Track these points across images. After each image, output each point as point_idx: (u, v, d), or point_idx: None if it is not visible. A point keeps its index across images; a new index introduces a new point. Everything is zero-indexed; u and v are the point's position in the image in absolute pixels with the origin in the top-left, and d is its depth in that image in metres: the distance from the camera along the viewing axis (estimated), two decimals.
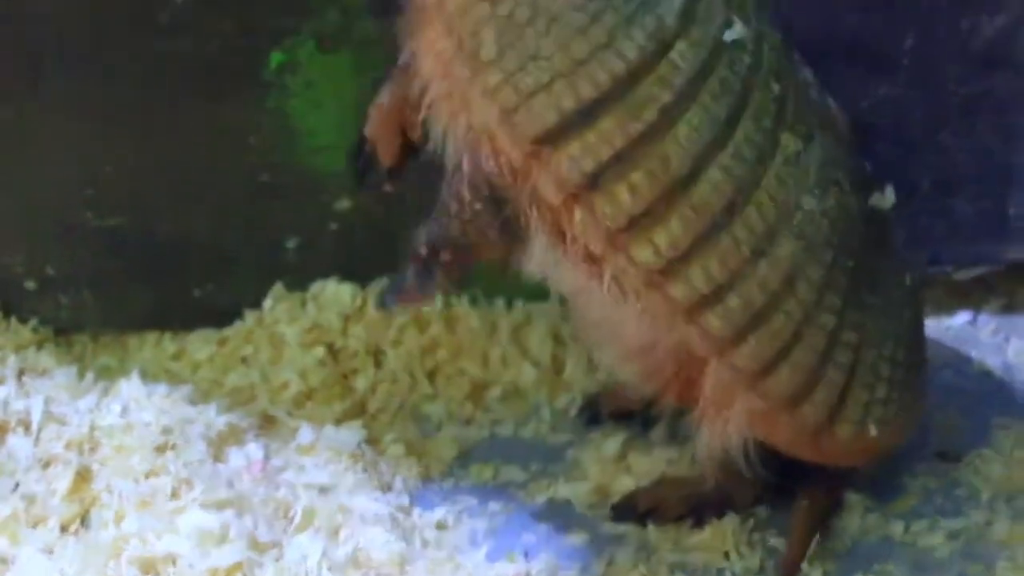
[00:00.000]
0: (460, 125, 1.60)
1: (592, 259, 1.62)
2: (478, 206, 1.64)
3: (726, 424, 1.72)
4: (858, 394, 1.69)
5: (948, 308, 2.12)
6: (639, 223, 1.58)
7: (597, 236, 1.59)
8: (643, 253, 1.59)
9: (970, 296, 2.13)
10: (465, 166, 1.62)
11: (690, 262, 1.60)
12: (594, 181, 1.56)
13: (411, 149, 1.74)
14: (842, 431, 1.70)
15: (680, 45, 1.55)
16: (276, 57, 1.98)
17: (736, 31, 1.59)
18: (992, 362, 2.05)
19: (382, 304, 1.73)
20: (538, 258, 1.67)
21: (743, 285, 1.61)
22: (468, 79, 1.56)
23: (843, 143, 1.70)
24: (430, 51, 1.59)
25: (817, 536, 1.77)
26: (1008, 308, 2.13)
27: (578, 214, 1.58)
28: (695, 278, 1.60)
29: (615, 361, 1.85)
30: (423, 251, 1.69)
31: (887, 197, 1.75)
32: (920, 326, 1.81)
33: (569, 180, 1.56)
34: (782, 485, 1.78)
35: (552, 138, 1.55)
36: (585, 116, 1.54)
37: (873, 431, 1.71)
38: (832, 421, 1.69)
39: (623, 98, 1.55)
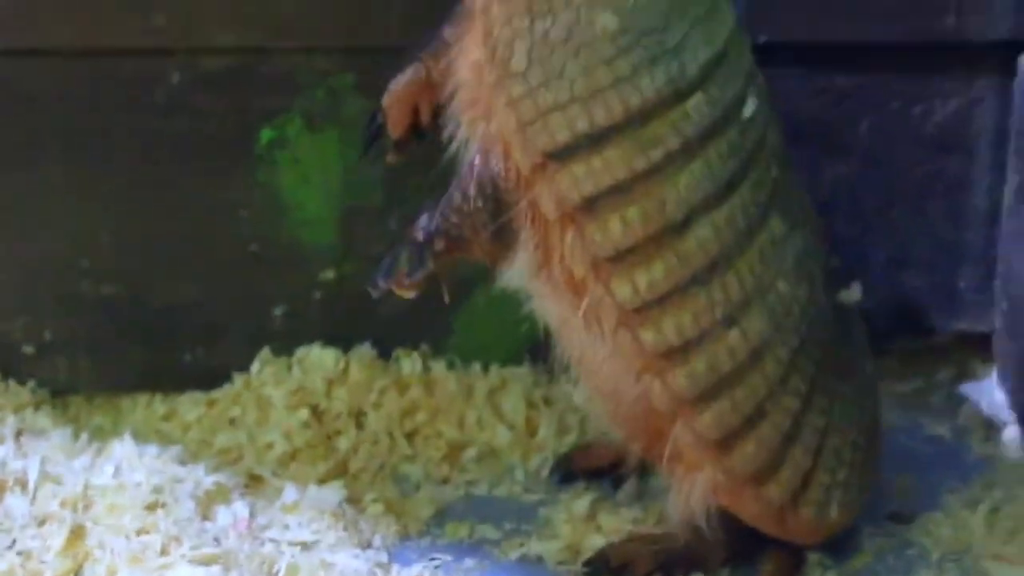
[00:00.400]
0: (480, 126, 1.62)
1: (573, 284, 1.63)
2: (480, 203, 1.63)
3: (692, 489, 1.71)
4: (822, 477, 1.69)
5: (901, 375, 2.11)
6: (624, 258, 1.58)
7: (582, 260, 1.59)
8: (622, 289, 1.58)
9: (922, 364, 2.13)
10: (476, 163, 1.63)
11: (665, 310, 1.59)
12: (591, 205, 1.56)
13: (418, 128, 1.75)
14: (805, 512, 1.70)
15: (697, 97, 1.56)
16: (266, 134, 1.98)
17: (752, 106, 1.60)
18: (943, 427, 2.05)
19: (372, 286, 1.71)
20: (522, 269, 1.67)
21: (712, 348, 1.60)
22: (494, 86, 1.57)
23: (819, 239, 1.70)
24: (468, 57, 1.62)
25: None
26: (958, 376, 2.13)
27: (569, 234, 1.59)
28: (666, 327, 1.59)
29: (590, 400, 1.85)
30: (419, 236, 1.67)
31: (853, 293, 1.75)
32: (879, 411, 1.81)
33: (568, 199, 1.57)
34: (749, 547, 1.77)
35: (560, 156, 1.56)
36: (595, 141, 1.55)
37: (834, 513, 1.71)
38: (796, 502, 1.69)
39: (633, 133, 1.55)
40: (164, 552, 1.76)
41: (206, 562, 1.73)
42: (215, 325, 2.06)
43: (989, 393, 2.09)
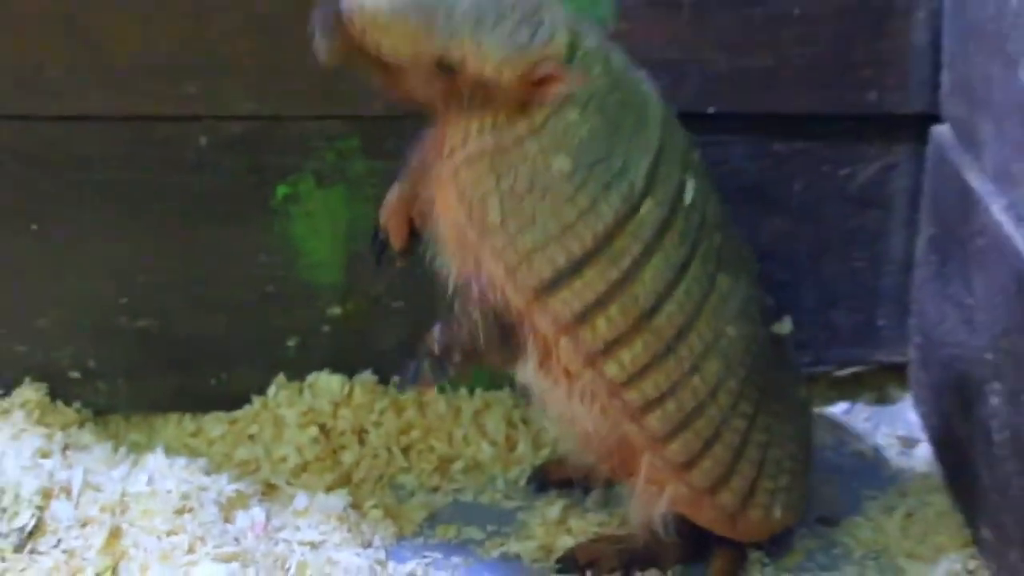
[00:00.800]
0: (472, 270, 1.62)
1: (568, 374, 1.65)
2: (486, 326, 1.64)
3: (655, 501, 1.73)
4: (766, 484, 1.72)
5: (829, 399, 2.13)
6: (611, 347, 1.61)
7: (577, 357, 1.62)
8: (612, 369, 1.62)
9: (847, 390, 2.14)
10: (476, 296, 1.62)
11: (645, 376, 1.62)
12: (580, 317, 1.59)
13: (418, 234, 1.73)
14: (754, 514, 1.73)
15: (647, 203, 1.57)
16: (282, 190, 1.99)
17: (691, 190, 1.62)
18: (864, 444, 2.06)
19: (401, 389, 1.71)
20: (529, 369, 1.68)
21: (680, 394, 1.64)
22: (477, 240, 1.58)
23: (754, 281, 1.73)
24: (447, 216, 1.61)
25: None
26: (878, 400, 2.14)
27: (564, 340, 1.61)
28: (647, 388, 1.63)
29: (565, 441, 1.85)
30: (437, 349, 1.68)
31: (785, 325, 1.78)
32: (811, 427, 1.84)
33: (560, 318, 1.59)
34: (700, 546, 1.79)
35: (548, 288, 1.57)
36: (574, 269, 1.57)
37: (778, 513, 1.75)
38: (745, 506, 1.72)
39: (604, 252, 1.57)
40: (191, 551, 1.77)
41: (227, 559, 1.75)
42: (236, 354, 2.06)
43: (904, 415, 2.10)
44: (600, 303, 1.59)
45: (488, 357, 1.68)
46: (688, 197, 1.61)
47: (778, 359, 1.75)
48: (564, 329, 1.60)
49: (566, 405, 1.69)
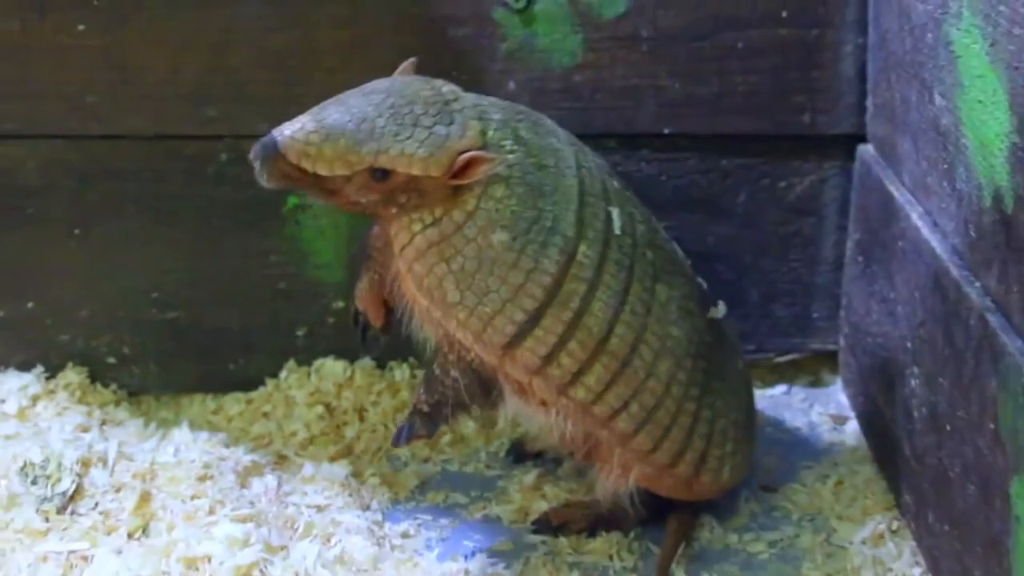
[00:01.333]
0: (445, 339, 1.61)
1: (544, 403, 1.64)
2: (467, 381, 1.62)
3: (622, 481, 1.72)
4: (715, 452, 1.71)
5: (770, 382, 2.12)
6: (577, 376, 1.59)
7: (550, 391, 1.61)
8: (580, 393, 1.60)
9: (785, 374, 2.13)
10: (454, 359, 1.62)
11: (609, 390, 1.61)
12: (547, 360, 1.57)
13: (393, 312, 1.71)
14: (706, 478, 1.72)
15: (582, 247, 1.56)
16: (292, 200, 1.98)
17: (617, 219, 1.60)
18: (800, 421, 2.04)
19: (394, 444, 1.67)
20: (511, 410, 1.68)
21: (640, 397, 1.63)
22: (443, 317, 1.56)
23: (688, 276, 1.71)
24: (412, 300, 1.60)
25: (682, 545, 1.77)
26: (812, 383, 2.13)
27: (536, 380, 1.60)
28: (611, 400, 1.62)
29: (545, 440, 1.85)
30: (425, 408, 1.65)
31: (719, 310, 1.76)
32: (752, 398, 1.82)
33: (531, 365, 1.58)
34: (657, 509, 1.78)
35: (513, 343, 1.56)
36: (533, 321, 1.55)
37: (726, 475, 1.74)
38: (698, 473, 1.71)
39: (554, 300, 1.55)
40: (211, 512, 1.77)
41: (243, 520, 1.74)
42: (252, 342, 2.05)
43: (835, 396, 2.09)
44: (561, 343, 1.57)
45: (473, 407, 1.66)
46: (616, 227, 1.60)
47: (717, 340, 1.73)
48: (534, 372, 1.59)
49: (544, 421, 1.69)
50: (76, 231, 1.98)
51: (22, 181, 1.96)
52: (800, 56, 1.93)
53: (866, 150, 1.95)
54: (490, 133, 1.54)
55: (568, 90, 1.94)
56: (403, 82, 1.57)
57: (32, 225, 1.98)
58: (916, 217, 1.72)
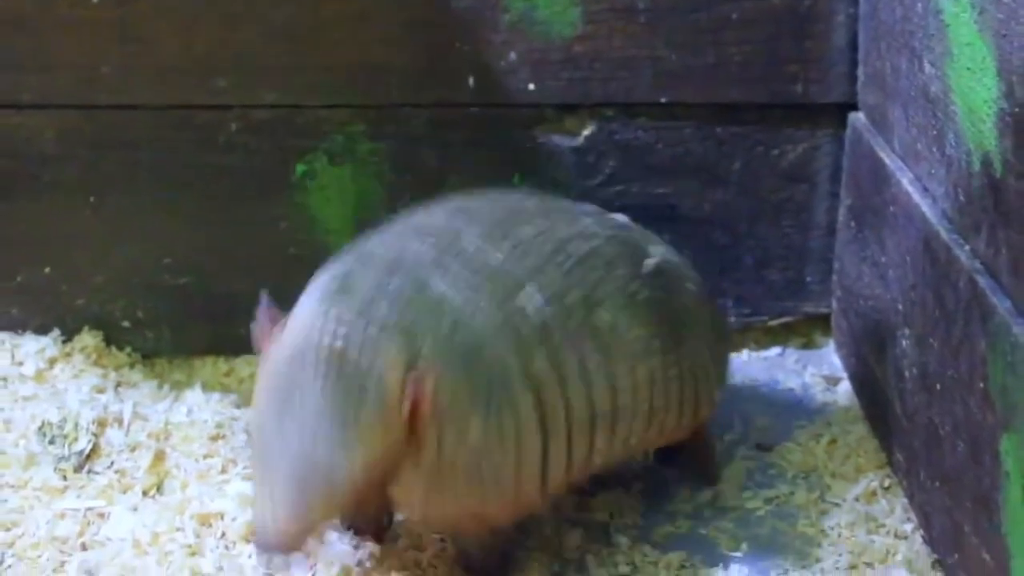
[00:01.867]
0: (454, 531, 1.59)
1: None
2: (499, 539, 1.59)
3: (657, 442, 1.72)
4: (702, 387, 1.68)
5: (764, 345, 2.10)
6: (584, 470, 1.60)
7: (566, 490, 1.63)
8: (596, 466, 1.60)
9: (779, 337, 2.11)
10: (471, 538, 1.58)
11: (616, 436, 1.59)
12: (570, 467, 1.55)
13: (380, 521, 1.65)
14: (703, 412, 1.71)
15: (549, 405, 1.50)
16: (300, 168, 1.97)
17: (536, 307, 1.51)
18: (794, 382, 2.04)
19: None
20: None
21: (638, 417, 1.61)
22: (452, 524, 1.56)
23: (626, 260, 1.63)
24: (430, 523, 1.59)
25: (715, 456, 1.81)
26: (805, 346, 2.11)
27: (548, 501, 1.59)
28: (622, 434, 1.61)
29: None
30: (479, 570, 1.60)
31: (649, 263, 1.65)
32: (725, 340, 1.80)
33: (559, 479, 1.55)
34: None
35: (519, 500, 1.54)
36: (544, 455, 1.50)
37: (716, 396, 1.73)
38: (697, 413, 1.70)
39: (549, 450, 1.51)
40: (224, 471, 1.77)
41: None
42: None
43: (828, 358, 2.08)
44: (567, 466, 1.53)
45: (508, 548, 1.61)
46: (535, 311, 1.50)
47: (666, 295, 1.65)
48: (545, 499, 1.55)
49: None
50: (91, 199, 1.97)
51: (39, 150, 1.95)
52: (793, 26, 1.92)
53: (857, 118, 1.94)
54: (420, 359, 1.40)
55: (568, 61, 1.92)
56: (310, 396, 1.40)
57: (49, 194, 1.97)
58: (906, 183, 1.70)
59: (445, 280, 1.47)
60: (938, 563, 1.62)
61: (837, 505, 1.75)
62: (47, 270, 2.01)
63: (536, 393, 1.48)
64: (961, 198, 1.54)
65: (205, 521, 1.68)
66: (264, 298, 1.49)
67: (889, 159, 1.78)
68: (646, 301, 1.62)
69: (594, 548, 1.68)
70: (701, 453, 1.81)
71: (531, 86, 1.94)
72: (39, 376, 1.95)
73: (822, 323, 2.10)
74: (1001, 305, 1.41)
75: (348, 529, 1.65)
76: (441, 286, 1.46)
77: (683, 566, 1.65)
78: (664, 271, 1.68)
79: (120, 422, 1.85)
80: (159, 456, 1.79)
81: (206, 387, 1.96)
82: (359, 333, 1.40)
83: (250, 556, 1.61)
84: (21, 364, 1.97)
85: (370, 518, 1.64)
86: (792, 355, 2.10)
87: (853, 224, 1.94)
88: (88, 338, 2.01)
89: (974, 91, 1.47)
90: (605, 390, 1.55)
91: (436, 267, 1.48)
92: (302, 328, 1.44)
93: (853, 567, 1.64)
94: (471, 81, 1.93)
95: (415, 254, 1.49)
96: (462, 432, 1.43)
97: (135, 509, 1.70)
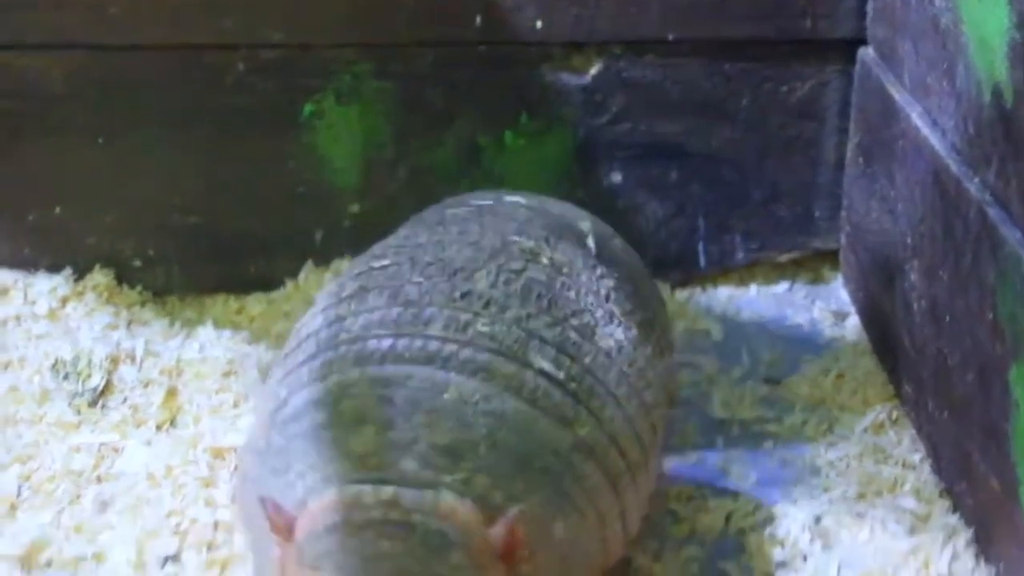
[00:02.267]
0: None
1: None
2: None
3: None
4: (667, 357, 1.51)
5: (773, 280, 2.10)
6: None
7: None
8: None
9: (788, 272, 2.11)
10: None
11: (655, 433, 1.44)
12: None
13: None
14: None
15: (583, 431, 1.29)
16: (308, 108, 1.96)
17: (552, 366, 1.30)
18: (802, 317, 2.03)
19: None
20: None
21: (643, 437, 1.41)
22: None
23: (614, 264, 1.49)
24: None
25: None
26: (814, 281, 2.10)
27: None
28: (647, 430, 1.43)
29: None
30: None
31: (590, 242, 1.50)
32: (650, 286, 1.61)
33: (643, 504, 1.42)
34: None
35: (626, 524, 1.36)
36: (620, 498, 1.33)
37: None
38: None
39: (614, 478, 1.32)
40: (236, 406, 1.77)
41: None
42: (272, 245, 2.03)
43: (836, 293, 2.07)
44: (639, 503, 1.37)
45: None
46: (552, 368, 1.30)
47: (620, 277, 1.49)
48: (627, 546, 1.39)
49: None
50: (100, 140, 1.96)
51: (47, 90, 1.94)
52: None
53: (866, 53, 1.92)
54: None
55: None
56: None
57: (58, 134, 1.96)
58: (916, 117, 1.69)
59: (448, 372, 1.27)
60: (946, 491, 1.62)
61: (845, 437, 1.75)
62: (58, 210, 2.00)
63: (591, 455, 1.29)
64: (971, 130, 1.52)
65: (218, 454, 1.68)
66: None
67: (898, 94, 1.76)
68: (626, 290, 1.48)
69: None
70: None
71: (538, 24, 1.92)
72: (52, 314, 1.94)
73: (830, 258, 2.09)
74: (1011, 235, 1.41)
75: None
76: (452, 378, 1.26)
77: (692, 497, 1.66)
78: (615, 250, 1.55)
79: (133, 359, 1.85)
80: (172, 392, 1.79)
81: (217, 324, 1.95)
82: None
83: None
84: (34, 303, 1.96)
85: None
86: (800, 290, 2.09)
87: (862, 160, 1.93)
88: (100, 276, 2.01)
89: (985, 21, 1.46)
90: (638, 408, 1.38)
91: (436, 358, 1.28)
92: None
93: (861, 496, 1.64)
94: (478, 19, 1.92)
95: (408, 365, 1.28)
96: (548, 544, 1.23)
97: (149, 443, 1.70)
